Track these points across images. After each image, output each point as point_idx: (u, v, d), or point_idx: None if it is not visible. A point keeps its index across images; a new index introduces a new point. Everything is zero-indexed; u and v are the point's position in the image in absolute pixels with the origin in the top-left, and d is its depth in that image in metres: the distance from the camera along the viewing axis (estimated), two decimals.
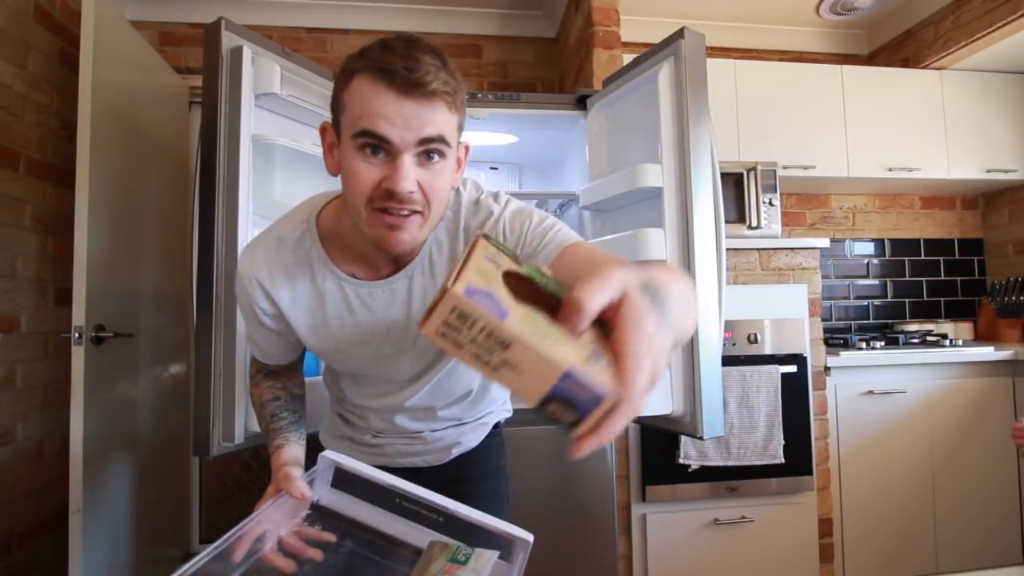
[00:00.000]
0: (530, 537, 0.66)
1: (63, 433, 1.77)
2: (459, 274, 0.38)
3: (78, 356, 1.61)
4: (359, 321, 0.82)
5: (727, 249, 1.47)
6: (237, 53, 1.35)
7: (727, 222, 1.96)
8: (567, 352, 0.37)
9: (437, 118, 0.66)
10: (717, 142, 1.46)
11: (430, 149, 0.67)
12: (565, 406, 0.37)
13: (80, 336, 1.62)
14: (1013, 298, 2.55)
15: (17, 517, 1.74)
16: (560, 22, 2.62)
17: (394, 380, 0.90)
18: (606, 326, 0.40)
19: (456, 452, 1.00)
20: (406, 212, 0.68)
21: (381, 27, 2.62)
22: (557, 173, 2.38)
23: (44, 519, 1.85)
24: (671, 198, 1.43)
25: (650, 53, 1.51)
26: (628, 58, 1.71)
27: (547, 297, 0.41)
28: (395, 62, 0.63)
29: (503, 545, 0.67)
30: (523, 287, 0.41)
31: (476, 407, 0.99)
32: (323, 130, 0.75)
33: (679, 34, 1.41)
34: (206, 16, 1.52)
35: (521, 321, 0.37)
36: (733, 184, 2.17)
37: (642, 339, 0.39)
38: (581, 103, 1.84)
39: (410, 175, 0.66)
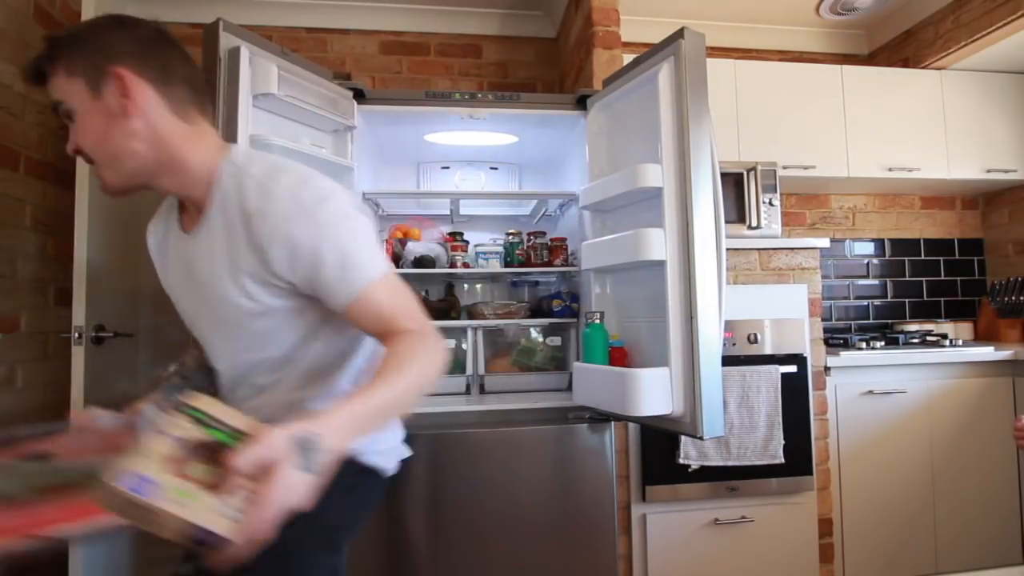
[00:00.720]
0: None
1: None
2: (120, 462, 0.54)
3: (78, 356, 1.61)
4: (179, 268, 0.91)
5: (727, 249, 1.47)
6: (235, 54, 1.35)
7: (727, 222, 1.96)
8: (196, 512, 0.55)
9: (55, 89, 0.78)
10: (717, 142, 1.46)
11: (64, 116, 0.80)
12: (198, 543, 0.56)
13: (80, 336, 1.62)
14: (1013, 298, 2.55)
15: None
16: (560, 22, 2.62)
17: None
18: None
19: None
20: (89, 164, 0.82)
21: (381, 27, 2.62)
22: (557, 173, 2.38)
23: None
24: (671, 198, 1.43)
25: (650, 53, 1.51)
26: (628, 58, 1.71)
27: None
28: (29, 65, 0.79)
29: None
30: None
31: (283, 384, 0.90)
32: None
33: (679, 34, 1.41)
34: (206, 16, 1.52)
35: (165, 490, 0.55)
36: (733, 184, 2.17)
37: (267, 495, 0.57)
38: (581, 103, 1.84)
39: (70, 138, 0.81)
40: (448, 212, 2.26)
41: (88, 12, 1.66)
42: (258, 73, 1.40)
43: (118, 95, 0.78)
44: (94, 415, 0.84)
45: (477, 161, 2.38)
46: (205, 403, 0.62)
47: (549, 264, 2.02)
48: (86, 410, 0.84)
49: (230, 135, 1.32)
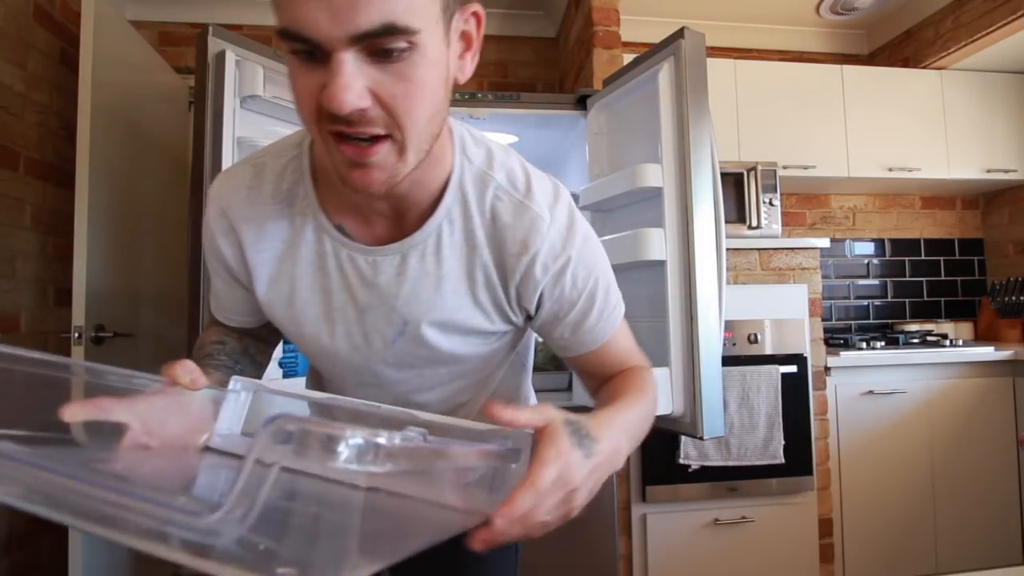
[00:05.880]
0: (529, 429, 0.52)
1: None
2: None
3: (78, 356, 1.61)
4: (331, 288, 0.64)
5: (727, 249, 1.47)
6: (220, 58, 1.37)
7: (727, 222, 1.95)
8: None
9: None
10: (717, 142, 1.46)
11: (378, 44, 0.45)
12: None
13: (80, 336, 1.62)
14: (1013, 298, 2.55)
15: (17, 517, 1.74)
16: (560, 22, 2.62)
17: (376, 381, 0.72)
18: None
19: None
20: (366, 137, 0.48)
21: None
22: (557, 173, 2.36)
23: (44, 519, 1.85)
24: (671, 198, 1.43)
25: (650, 53, 1.51)
26: (628, 58, 1.71)
27: None
28: None
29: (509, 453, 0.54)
30: None
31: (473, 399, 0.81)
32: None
33: (679, 34, 1.41)
34: (206, 16, 1.53)
35: None
36: (733, 184, 2.17)
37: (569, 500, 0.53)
38: (581, 103, 1.84)
39: (351, 83, 0.45)
40: None
41: (88, 12, 1.66)
42: (245, 75, 1.41)
43: (474, 30, 0.57)
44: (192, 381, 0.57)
45: None
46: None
47: None
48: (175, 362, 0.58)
49: (217, 138, 1.34)
